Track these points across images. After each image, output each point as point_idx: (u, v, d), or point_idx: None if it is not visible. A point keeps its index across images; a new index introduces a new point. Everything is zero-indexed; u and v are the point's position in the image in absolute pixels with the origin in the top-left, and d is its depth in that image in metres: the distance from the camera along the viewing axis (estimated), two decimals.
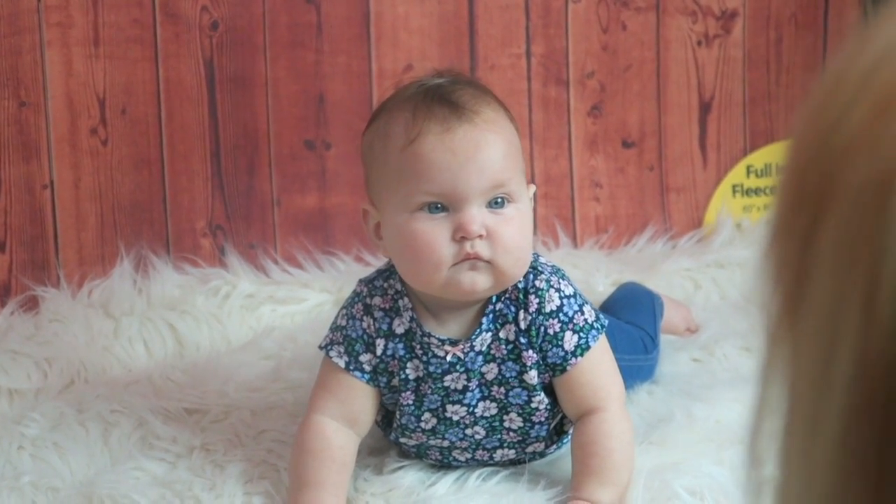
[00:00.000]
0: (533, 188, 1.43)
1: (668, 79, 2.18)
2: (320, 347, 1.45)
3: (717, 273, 2.06)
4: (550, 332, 1.40)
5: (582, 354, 1.40)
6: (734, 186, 2.22)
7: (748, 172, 2.22)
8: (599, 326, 1.42)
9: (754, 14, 2.19)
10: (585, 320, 1.41)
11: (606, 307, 1.75)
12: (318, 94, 2.07)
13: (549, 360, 1.41)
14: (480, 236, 1.34)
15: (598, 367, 1.41)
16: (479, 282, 1.35)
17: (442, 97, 1.37)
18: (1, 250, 1.96)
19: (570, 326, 1.40)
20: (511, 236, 1.35)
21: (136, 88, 2.00)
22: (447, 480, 1.45)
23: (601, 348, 1.42)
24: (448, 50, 2.10)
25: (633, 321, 1.71)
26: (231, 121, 2.05)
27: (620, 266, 2.06)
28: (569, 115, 2.17)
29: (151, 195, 2.03)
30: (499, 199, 1.36)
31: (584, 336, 1.40)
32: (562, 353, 1.40)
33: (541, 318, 1.39)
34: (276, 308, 1.96)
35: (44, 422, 1.60)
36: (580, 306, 1.41)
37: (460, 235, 1.34)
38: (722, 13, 2.18)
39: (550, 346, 1.40)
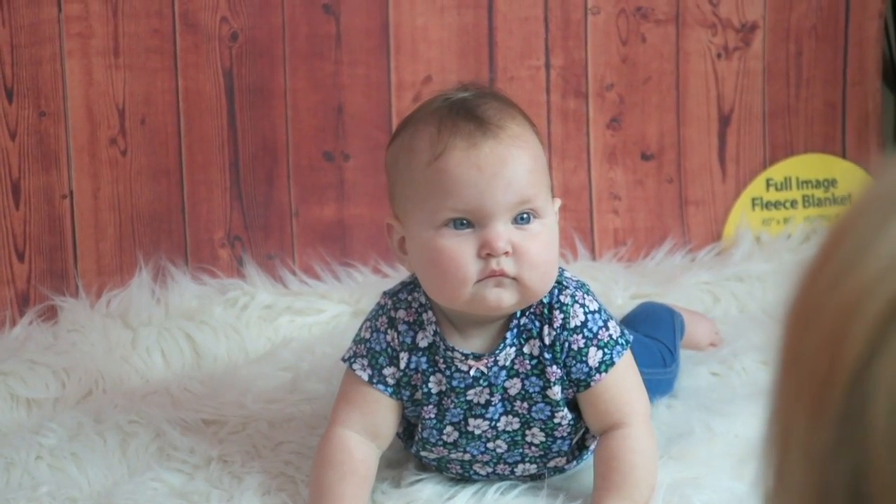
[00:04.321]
0: (558, 202, 1.43)
1: (688, 91, 2.18)
2: (343, 360, 1.45)
3: (736, 287, 2.05)
4: (574, 347, 1.39)
5: (606, 370, 1.39)
6: (753, 200, 2.21)
7: (767, 186, 2.21)
8: (624, 342, 1.41)
9: (774, 27, 2.19)
10: (610, 336, 1.40)
11: (626, 322, 1.74)
12: (336, 105, 2.07)
13: (574, 376, 1.40)
14: (506, 253, 1.33)
15: (622, 383, 1.40)
16: (505, 298, 1.35)
17: (467, 112, 1.36)
18: (20, 260, 1.96)
19: (595, 342, 1.39)
20: (537, 252, 1.35)
21: (156, 99, 2.01)
22: (466, 494, 1.44)
23: (626, 364, 1.41)
24: (467, 62, 2.10)
25: (651, 334, 1.70)
26: (250, 131, 2.05)
27: (639, 279, 2.06)
28: (588, 127, 2.16)
29: (170, 205, 2.03)
30: (524, 215, 1.35)
31: (609, 352, 1.40)
32: (586, 369, 1.39)
33: (565, 333, 1.39)
34: (294, 319, 1.96)
35: (62, 432, 1.59)
36: (605, 322, 1.40)
37: (486, 252, 1.33)
38: (742, 26, 2.18)
39: (574, 361, 1.39)
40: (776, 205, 2.22)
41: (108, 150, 1.99)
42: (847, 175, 2.24)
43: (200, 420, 1.63)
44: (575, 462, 1.48)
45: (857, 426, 0.48)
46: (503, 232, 1.33)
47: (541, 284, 1.36)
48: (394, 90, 2.08)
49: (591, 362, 1.39)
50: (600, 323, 1.40)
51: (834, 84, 2.22)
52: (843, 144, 2.24)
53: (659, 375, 1.67)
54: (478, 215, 1.34)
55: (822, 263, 0.51)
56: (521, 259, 1.34)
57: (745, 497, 1.40)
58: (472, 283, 1.34)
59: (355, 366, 1.43)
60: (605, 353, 1.39)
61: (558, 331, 1.39)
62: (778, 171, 2.22)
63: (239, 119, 2.04)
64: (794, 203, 2.22)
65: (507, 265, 1.34)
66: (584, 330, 1.39)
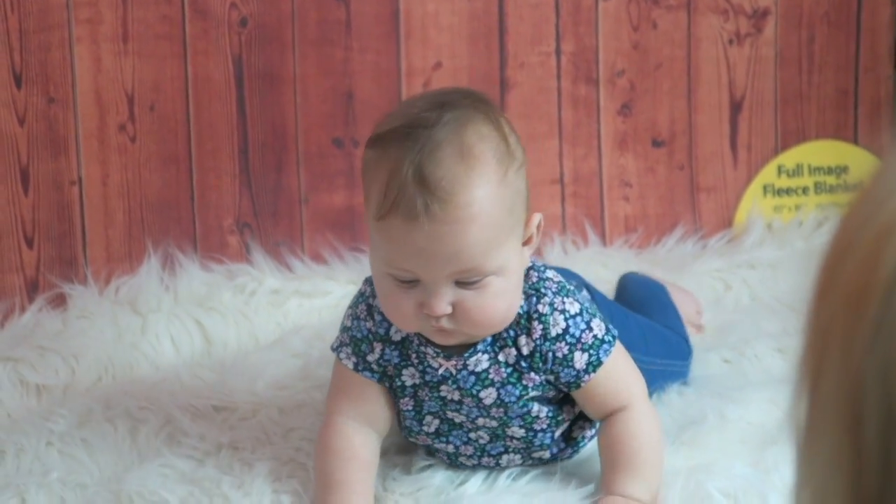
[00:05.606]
0: (538, 217, 1.36)
1: (699, 78, 2.17)
2: (332, 349, 1.44)
3: (747, 274, 2.05)
4: (559, 355, 1.36)
5: (594, 371, 1.37)
6: (765, 186, 2.20)
7: (779, 172, 2.21)
8: (610, 339, 1.38)
9: (786, 13, 2.18)
10: (595, 336, 1.37)
11: (631, 307, 1.72)
12: (346, 91, 2.06)
13: (563, 380, 1.38)
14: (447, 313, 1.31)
15: (614, 374, 1.38)
16: (451, 340, 1.35)
17: (418, 174, 1.27)
18: (29, 247, 1.95)
19: (579, 346, 1.37)
20: (480, 309, 1.31)
21: (165, 85, 2.00)
22: (477, 479, 1.44)
23: (615, 358, 1.39)
24: (477, 47, 2.09)
25: (668, 324, 1.70)
26: (259, 118, 2.04)
27: (650, 266, 2.05)
28: (598, 113, 2.15)
29: (179, 192, 2.02)
30: (470, 278, 1.30)
31: (595, 353, 1.37)
32: (574, 373, 1.38)
33: (546, 343, 1.36)
34: (302, 303, 1.95)
35: (72, 418, 1.59)
36: (587, 323, 1.37)
37: (425, 311, 1.31)
38: (754, 12, 2.17)
39: (561, 367, 1.37)
40: (788, 191, 2.21)
41: (117, 137, 1.99)
42: (859, 161, 2.23)
43: (211, 406, 1.63)
44: (570, 451, 1.47)
45: (890, 328, 0.55)
46: (444, 294, 1.30)
47: (486, 331, 1.35)
48: (404, 76, 2.08)
49: (577, 365, 1.37)
50: (583, 326, 1.37)
51: (846, 70, 2.21)
52: (854, 131, 2.23)
53: (676, 367, 1.66)
54: (419, 277, 1.30)
55: (857, 204, 0.60)
56: (461, 318, 1.31)
57: (760, 483, 1.39)
58: (417, 326, 1.34)
59: (341, 355, 1.42)
60: (591, 356, 1.37)
61: (539, 342, 1.36)
62: (790, 158, 2.21)
63: (248, 106, 2.04)
64: (805, 190, 2.21)
65: (447, 323, 1.31)
66: (567, 336, 1.37)
